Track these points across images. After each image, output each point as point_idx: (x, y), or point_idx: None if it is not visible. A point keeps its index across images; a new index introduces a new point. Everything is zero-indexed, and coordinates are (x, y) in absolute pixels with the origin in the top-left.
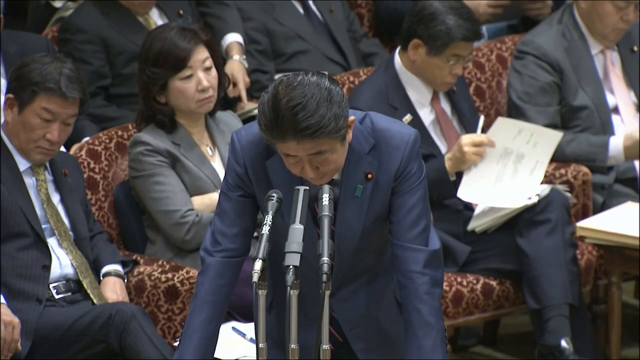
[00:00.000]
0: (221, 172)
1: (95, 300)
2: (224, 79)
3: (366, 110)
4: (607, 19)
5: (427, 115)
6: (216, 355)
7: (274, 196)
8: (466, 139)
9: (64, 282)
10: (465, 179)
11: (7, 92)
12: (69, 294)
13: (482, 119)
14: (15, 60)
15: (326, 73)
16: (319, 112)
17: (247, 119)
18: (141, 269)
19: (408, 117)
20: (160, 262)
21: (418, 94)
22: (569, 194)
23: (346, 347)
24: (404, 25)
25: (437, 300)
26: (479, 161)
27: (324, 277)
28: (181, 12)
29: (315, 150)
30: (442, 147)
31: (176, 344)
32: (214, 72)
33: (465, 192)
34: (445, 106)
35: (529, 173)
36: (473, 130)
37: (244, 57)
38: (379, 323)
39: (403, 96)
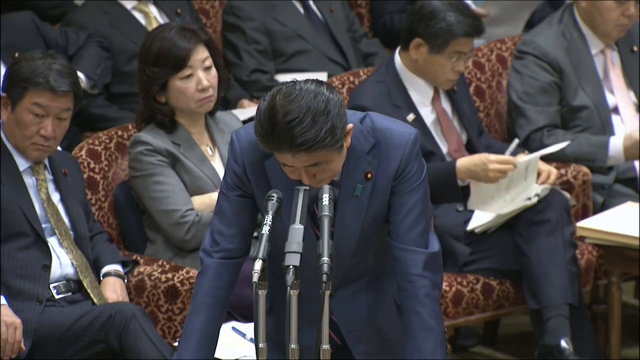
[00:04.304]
0: (221, 172)
1: (95, 300)
2: (224, 79)
3: (370, 107)
4: (608, 15)
5: (428, 115)
6: (216, 355)
7: (274, 196)
8: (493, 157)
9: (64, 282)
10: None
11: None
12: (69, 294)
13: (515, 142)
14: (11, 47)
15: (324, 81)
16: (315, 127)
17: (246, 119)
18: (141, 269)
19: (411, 116)
20: (160, 262)
21: (419, 93)
22: (568, 195)
23: (345, 349)
24: (404, 25)
25: (436, 302)
26: (496, 181)
27: (324, 277)
28: (179, 10)
29: (311, 162)
30: (443, 146)
31: (176, 344)
32: (213, 71)
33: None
34: (446, 106)
35: (524, 178)
36: (473, 130)
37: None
38: (379, 326)
39: (405, 96)
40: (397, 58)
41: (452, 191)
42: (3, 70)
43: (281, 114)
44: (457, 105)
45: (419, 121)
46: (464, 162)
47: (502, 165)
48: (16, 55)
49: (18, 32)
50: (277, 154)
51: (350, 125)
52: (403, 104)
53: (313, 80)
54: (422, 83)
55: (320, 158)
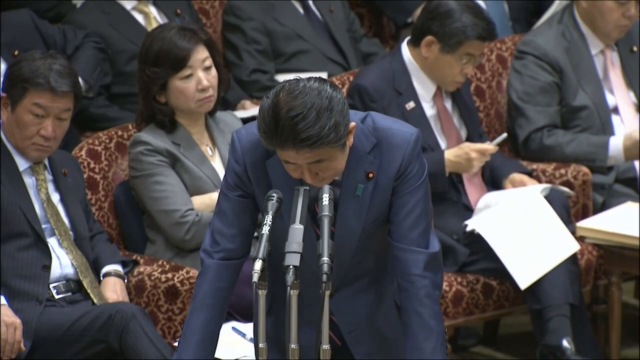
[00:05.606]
0: (221, 172)
1: (95, 300)
2: (224, 79)
3: (368, 88)
4: (608, 15)
5: (428, 110)
6: (216, 355)
7: (274, 196)
8: (473, 147)
9: (64, 282)
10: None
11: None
12: (69, 294)
13: (504, 135)
14: (10, 45)
15: (327, 79)
16: (319, 122)
17: (247, 120)
18: (141, 269)
19: (411, 104)
20: (160, 262)
21: (422, 87)
22: (568, 190)
23: (344, 350)
24: (417, 21)
25: (437, 303)
26: (477, 169)
27: (324, 277)
28: (178, 11)
29: (314, 159)
30: (442, 142)
31: (176, 344)
32: (213, 71)
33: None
34: (447, 104)
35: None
36: (473, 127)
37: None
38: (379, 327)
39: (408, 83)
40: (406, 49)
41: (439, 181)
42: (3, 68)
43: (285, 110)
44: (459, 102)
45: (418, 110)
46: (449, 153)
47: (481, 155)
48: (16, 53)
49: (17, 30)
50: (280, 151)
51: (352, 124)
52: (405, 91)
53: (316, 78)
54: (427, 78)
55: (323, 155)
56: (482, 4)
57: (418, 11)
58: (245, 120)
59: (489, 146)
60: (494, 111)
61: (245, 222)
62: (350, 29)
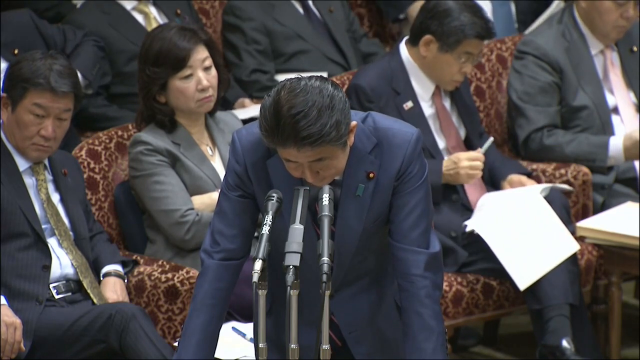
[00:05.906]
0: (221, 172)
1: (95, 300)
2: (223, 79)
3: (366, 88)
4: (607, 16)
5: (426, 109)
6: (216, 355)
7: (274, 196)
8: (463, 156)
9: (64, 282)
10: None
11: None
12: (69, 294)
13: (490, 140)
14: (10, 44)
15: (328, 78)
16: (320, 120)
17: (247, 120)
18: (141, 269)
19: (409, 104)
20: (160, 262)
21: (421, 87)
22: (565, 185)
23: (345, 350)
24: (415, 20)
25: (437, 303)
26: (472, 181)
27: (324, 277)
28: (179, 11)
29: (315, 157)
30: (440, 142)
31: (176, 344)
32: (213, 71)
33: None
34: (446, 103)
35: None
36: (472, 126)
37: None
38: (379, 327)
39: (407, 83)
40: (404, 49)
41: (434, 192)
42: (3, 68)
43: (286, 108)
44: (457, 101)
45: (416, 110)
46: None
47: (472, 162)
48: (16, 52)
49: (17, 30)
50: (282, 150)
51: (354, 123)
52: (403, 91)
53: (317, 77)
54: (425, 77)
55: (324, 153)
56: (488, 4)
57: (410, 8)
58: (245, 121)
59: (478, 154)
60: (494, 111)
61: (245, 222)
62: (350, 29)
